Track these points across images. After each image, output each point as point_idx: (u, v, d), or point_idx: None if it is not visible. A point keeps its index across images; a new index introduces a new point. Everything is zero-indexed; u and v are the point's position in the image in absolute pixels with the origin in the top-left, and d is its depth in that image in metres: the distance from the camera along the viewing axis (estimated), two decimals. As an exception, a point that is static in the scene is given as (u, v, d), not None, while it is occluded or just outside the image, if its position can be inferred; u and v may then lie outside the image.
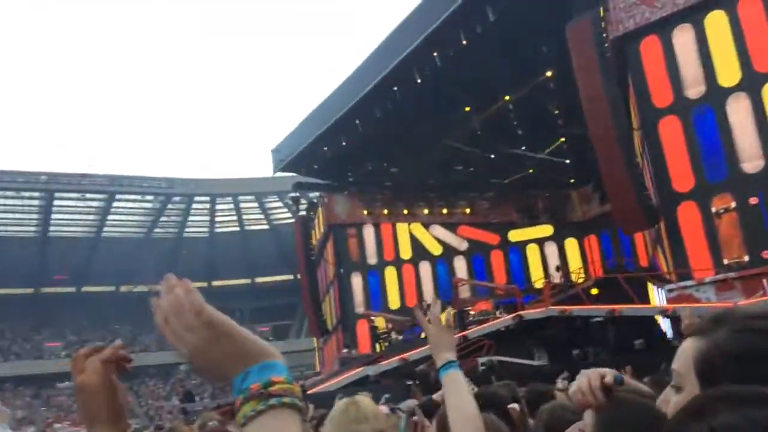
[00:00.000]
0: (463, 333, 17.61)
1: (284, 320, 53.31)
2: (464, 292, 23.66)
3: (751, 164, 14.79)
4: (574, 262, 26.55)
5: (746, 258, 14.51)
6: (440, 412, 2.03)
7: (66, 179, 44.86)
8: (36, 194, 44.53)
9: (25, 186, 43.77)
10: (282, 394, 0.84)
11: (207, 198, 50.14)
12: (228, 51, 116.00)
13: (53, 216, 45.81)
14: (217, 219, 52.06)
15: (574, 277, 23.47)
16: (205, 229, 52.87)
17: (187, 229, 52.03)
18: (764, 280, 13.48)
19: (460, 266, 27.21)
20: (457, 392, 1.83)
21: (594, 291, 17.78)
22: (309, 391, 19.35)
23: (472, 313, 19.72)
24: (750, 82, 14.88)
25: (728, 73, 15.24)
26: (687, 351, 0.99)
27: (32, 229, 47.00)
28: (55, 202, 44.88)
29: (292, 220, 36.40)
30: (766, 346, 0.90)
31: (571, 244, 27.26)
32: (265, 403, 0.83)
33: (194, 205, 50.45)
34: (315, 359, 35.17)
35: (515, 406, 2.73)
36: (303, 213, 31.06)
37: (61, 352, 46.86)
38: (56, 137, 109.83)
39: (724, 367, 0.92)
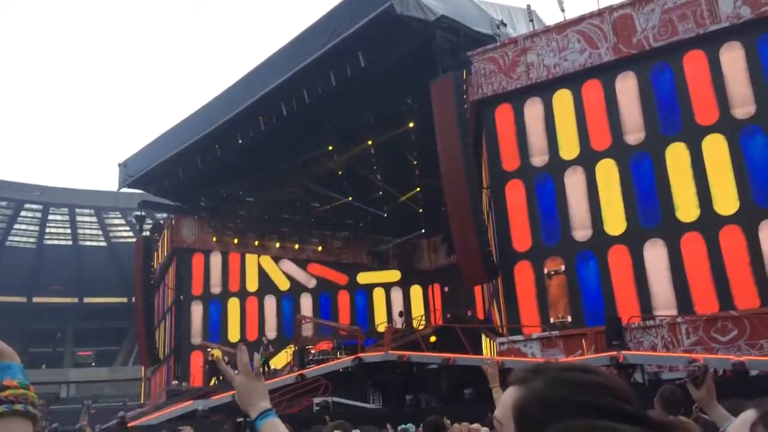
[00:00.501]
0: (302, 371, 17.41)
1: (111, 345, 49.65)
2: (307, 330, 23.46)
3: (581, 232, 16.16)
4: (418, 309, 27.31)
5: (569, 318, 15.70)
6: None
7: None
8: None
9: None
10: (14, 400, 0.78)
11: (39, 206, 46.13)
12: (78, 52, 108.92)
13: None
14: (48, 230, 47.94)
15: (415, 323, 24.08)
16: (33, 239, 48.46)
17: (10, 237, 47.41)
18: (583, 340, 14.63)
19: (306, 303, 27.03)
20: None
21: (432, 339, 18.33)
22: (130, 424, 18.09)
23: (313, 351, 19.57)
24: (586, 158, 16.37)
25: (569, 147, 16.67)
26: (507, 399, 1.03)
27: None
28: None
29: (134, 240, 34.46)
30: (577, 397, 0.95)
31: (416, 291, 28.08)
32: None
33: (23, 212, 46.22)
34: (141, 389, 33.00)
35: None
36: (147, 233, 29.53)
37: None
38: None
39: (539, 414, 0.96)
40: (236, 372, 1.83)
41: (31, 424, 0.78)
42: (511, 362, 13.09)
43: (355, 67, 18.96)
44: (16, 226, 46.79)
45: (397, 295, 27.93)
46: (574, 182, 16.42)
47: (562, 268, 16.06)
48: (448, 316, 24.23)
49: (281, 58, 20.80)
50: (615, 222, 15.79)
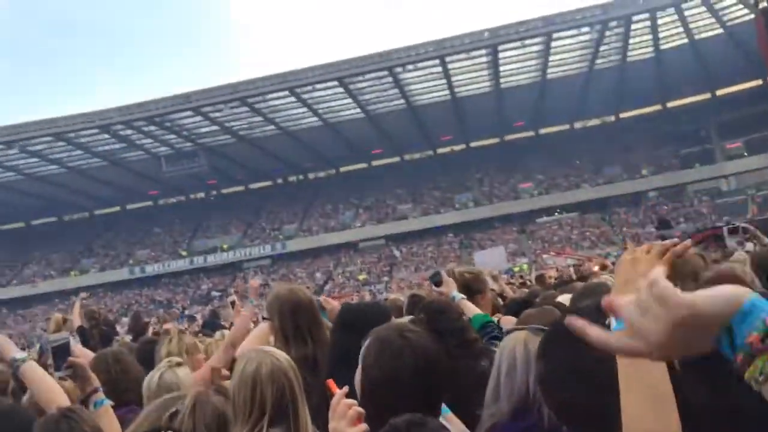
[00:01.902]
0: None
1: (758, 132, 47.30)
2: None
3: None
4: None
5: None
6: None
7: (505, 31, 46.89)
8: (483, 51, 47.84)
9: (471, 46, 47.36)
10: None
11: (646, 15, 46.27)
12: None
13: (501, 68, 48.81)
14: (660, 35, 47.92)
15: None
16: (649, 49, 49.36)
17: (629, 53, 49.50)
18: None
19: None
20: None
21: None
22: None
23: None
24: None
25: None
26: None
27: (486, 84, 51.16)
28: (500, 55, 47.54)
29: (751, 17, 31.01)
30: None
31: None
32: None
33: (633, 26, 47.24)
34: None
35: None
36: (765, 4, 26.03)
37: (533, 191, 51.58)
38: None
39: None
40: None
41: None
42: None
43: None
44: (631, 41, 48.27)
45: None
46: None
47: None
48: None
49: None
50: None
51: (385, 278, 45.45)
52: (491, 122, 52.77)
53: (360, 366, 1.91)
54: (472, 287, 3.72)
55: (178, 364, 2.84)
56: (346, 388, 1.55)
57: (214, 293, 46.51)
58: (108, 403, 2.57)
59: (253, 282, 4.60)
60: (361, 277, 46.75)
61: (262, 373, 2.12)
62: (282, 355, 2.28)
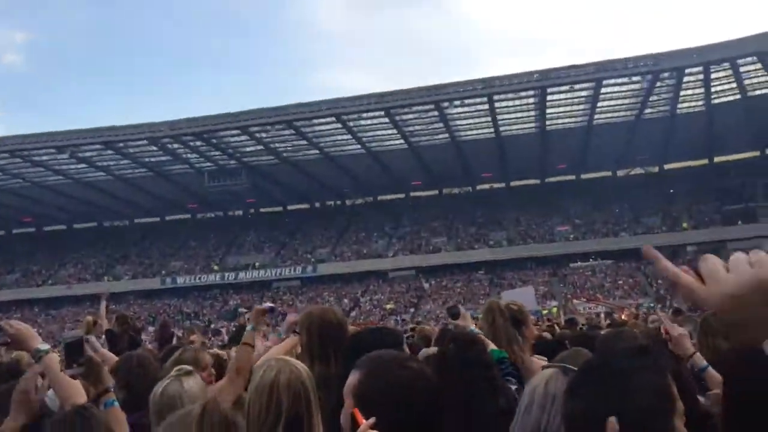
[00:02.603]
0: None
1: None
2: None
3: None
4: None
5: None
6: None
7: (555, 74, 46.76)
8: (531, 92, 47.72)
9: (521, 86, 47.30)
10: None
11: (699, 68, 45.73)
12: None
13: (548, 110, 48.58)
14: (713, 89, 47.23)
15: None
16: (700, 102, 48.69)
17: (679, 106, 48.88)
18: None
19: None
20: None
21: None
22: None
23: None
24: None
25: None
26: None
27: (531, 125, 50.97)
28: (548, 97, 47.33)
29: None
30: None
31: None
32: None
33: (685, 78, 46.72)
34: None
35: None
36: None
37: (569, 236, 50.84)
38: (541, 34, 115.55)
39: None
40: None
41: None
42: None
43: None
44: (682, 93, 47.67)
45: None
46: None
47: None
48: None
49: None
50: None
51: (412, 309, 45.11)
52: (533, 163, 52.45)
53: (351, 398, 1.60)
54: (518, 318, 3.97)
55: (188, 373, 2.76)
56: (372, 420, 1.47)
57: (241, 310, 46.74)
58: (117, 405, 2.55)
59: (291, 317, 4.26)
60: (388, 306, 46.47)
61: (280, 381, 2.15)
62: (300, 365, 2.29)
